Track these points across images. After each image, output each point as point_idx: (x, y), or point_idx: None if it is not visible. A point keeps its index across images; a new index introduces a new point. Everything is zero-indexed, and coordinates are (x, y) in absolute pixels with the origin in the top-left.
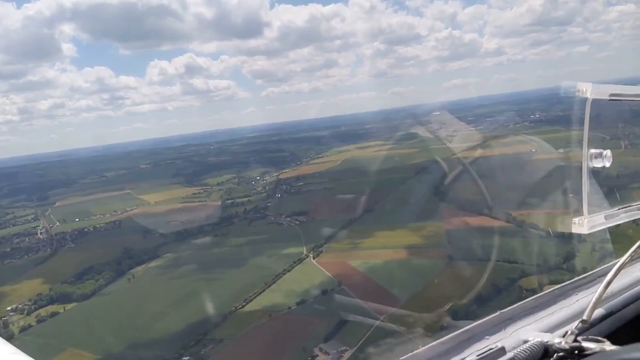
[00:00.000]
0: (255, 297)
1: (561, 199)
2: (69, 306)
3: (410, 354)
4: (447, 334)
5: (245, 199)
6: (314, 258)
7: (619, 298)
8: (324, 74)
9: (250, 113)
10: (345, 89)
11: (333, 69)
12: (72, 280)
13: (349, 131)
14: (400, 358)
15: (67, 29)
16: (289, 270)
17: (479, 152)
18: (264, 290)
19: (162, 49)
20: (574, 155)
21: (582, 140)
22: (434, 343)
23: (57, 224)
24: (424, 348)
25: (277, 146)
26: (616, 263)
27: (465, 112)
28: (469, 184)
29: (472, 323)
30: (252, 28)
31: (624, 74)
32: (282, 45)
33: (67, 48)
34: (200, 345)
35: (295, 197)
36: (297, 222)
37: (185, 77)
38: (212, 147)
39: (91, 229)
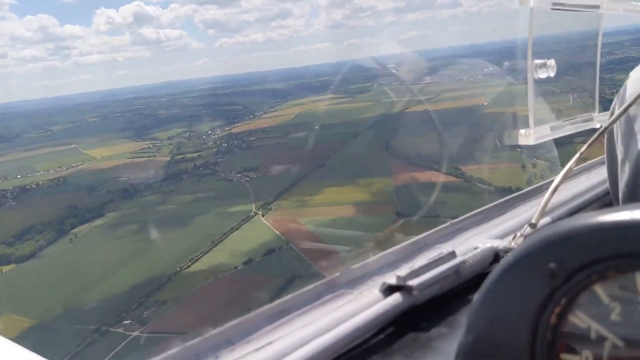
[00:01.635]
0: (201, 257)
1: (508, 154)
2: (6, 268)
3: (361, 263)
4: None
5: (196, 154)
6: (262, 216)
7: (565, 207)
8: (279, 24)
9: (203, 64)
10: (301, 40)
11: (287, 19)
12: (10, 240)
13: (303, 84)
14: (352, 267)
15: None
16: (236, 229)
17: (431, 106)
18: (210, 250)
19: None
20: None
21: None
22: (384, 252)
23: None
24: (374, 257)
25: (230, 99)
26: (563, 170)
27: (420, 64)
28: (420, 138)
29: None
30: None
31: None
32: None
33: None
34: (142, 308)
35: (246, 153)
36: (247, 179)
37: (134, 26)
38: (163, 100)
39: (34, 186)
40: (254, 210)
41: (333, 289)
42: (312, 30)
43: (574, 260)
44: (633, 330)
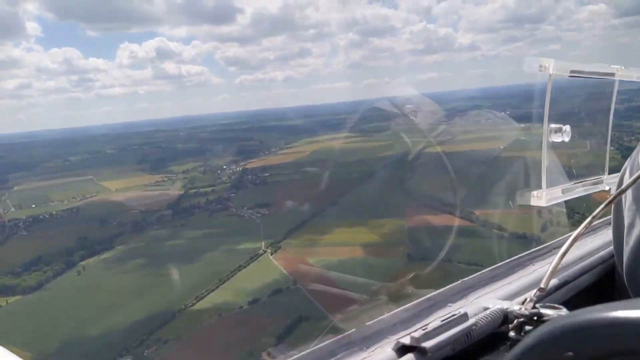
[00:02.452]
0: (207, 295)
1: (523, 198)
2: (11, 299)
3: (375, 320)
4: (411, 302)
5: (209, 189)
6: (271, 254)
7: (573, 268)
8: (298, 63)
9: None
10: (320, 79)
11: (307, 58)
12: (18, 271)
13: (321, 121)
14: (366, 323)
15: (31, 7)
16: (244, 267)
17: (448, 147)
18: (216, 288)
19: (131, 31)
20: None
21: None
22: (397, 310)
23: (12, 209)
24: (387, 315)
25: (247, 134)
26: (571, 235)
27: (439, 105)
28: (435, 180)
29: (434, 291)
30: (224, 14)
31: None
32: (255, 33)
33: (32, 27)
34: (143, 346)
35: (259, 188)
36: (259, 215)
37: (157, 61)
38: (181, 134)
39: (47, 216)
40: (263, 248)
41: (347, 346)
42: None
43: (589, 353)
44: None
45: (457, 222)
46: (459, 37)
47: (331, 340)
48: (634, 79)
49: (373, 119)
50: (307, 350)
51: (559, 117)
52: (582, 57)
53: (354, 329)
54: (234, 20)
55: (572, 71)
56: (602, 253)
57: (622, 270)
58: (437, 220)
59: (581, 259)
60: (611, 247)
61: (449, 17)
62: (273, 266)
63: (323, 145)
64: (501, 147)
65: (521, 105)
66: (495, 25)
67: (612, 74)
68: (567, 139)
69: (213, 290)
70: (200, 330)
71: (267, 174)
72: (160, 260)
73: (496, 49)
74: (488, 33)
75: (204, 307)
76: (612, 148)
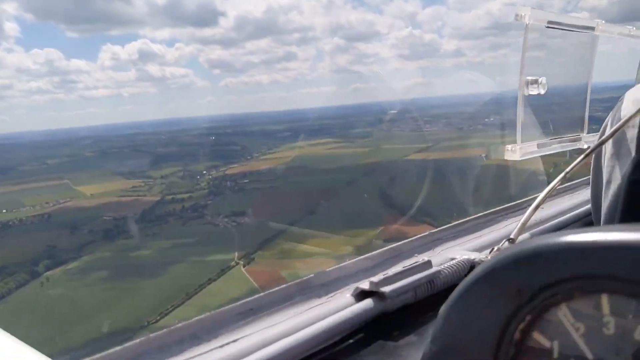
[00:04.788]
0: (172, 311)
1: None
2: None
3: (335, 266)
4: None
5: (186, 195)
6: (244, 266)
7: (545, 225)
8: (284, 67)
9: (208, 103)
10: (306, 83)
11: (292, 62)
12: None
13: (305, 126)
14: (327, 269)
15: (9, 8)
16: (214, 280)
17: (429, 155)
18: (183, 303)
19: (112, 33)
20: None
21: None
22: (359, 258)
23: None
24: (349, 262)
25: (230, 139)
26: (545, 189)
27: (422, 111)
28: (416, 188)
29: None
30: (207, 16)
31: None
32: (238, 36)
33: (11, 28)
34: None
35: (238, 196)
36: (235, 224)
37: (140, 63)
38: (163, 137)
39: (16, 222)
40: (235, 259)
41: (305, 291)
42: (317, 74)
43: (540, 279)
44: (596, 351)
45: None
46: (444, 43)
47: (288, 284)
48: (615, 34)
49: (357, 124)
50: (263, 293)
51: (537, 72)
52: None
53: (312, 274)
54: (216, 23)
55: (549, 22)
56: (578, 210)
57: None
58: (415, 231)
59: (556, 216)
60: (589, 205)
61: (433, 23)
62: (244, 280)
63: (305, 151)
64: (483, 155)
65: (502, 111)
66: (479, 32)
67: (592, 28)
68: (542, 92)
69: (179, 306)
70: None
71: (247, 181)
72: (125, 272)
73: (481, 55)
74: (472, 39)
75: (168, 324)
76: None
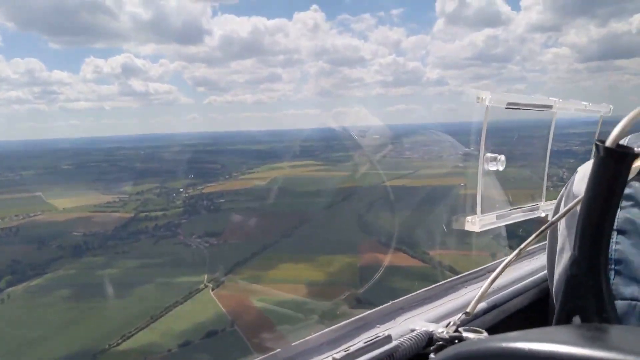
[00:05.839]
0: (135, 334)
1: (480, 241)
2: None
3: (302, 340)
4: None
5: (161, 213)
6: (212, 289)
7: (503, 292)
8: (268, 87)
9: (192, 120)
10: (290, 104)
11: (276, 83)
12: None
13: (287, 147)
14: (292, 344)
15: None
16: (181, 303)
17: (409, 181)
18: (146, 326)
19: (96, 46)
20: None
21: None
22: (325, 330)
23: None
24: (314, 335)
25: (211, 157)
26: (504, 260)
27: (404, 137)
28: (393, 215)
29: (364, 312)
30: (192, 34)
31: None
32: (223, 55)
33: None
34: None
35: (213, 215)
36: (207, 245)
37: (123, 77)
38: (142, 153)
39: None
40: (204, 282)
41: None
42: (301, 96)
43: None
44: None
45: (410, 262)
46: (427, 71)
47: (256, 359)
48: (572, 111)
49: (338, 148)
50: None
51: (497, 148)
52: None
53: (279, 349)
54: (202, 41)
55: (509, 103)
56: (535, 277)
57: (554, 293)
58: (390, 259)
59: (512, 283)
60: (545, 272)
61: (417, 51)
62: (212, 304)
63: (285, 172)
64: (462, 184)
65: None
66: (462, 62)
67: (550, 106)
68: (501, 168)
69: (142, 329)
70: None
71: (223, 200)
72: (90, 292)
73: (463, 85)
74: (455, 69)
75: (130, 348)
76: (549, 183)
